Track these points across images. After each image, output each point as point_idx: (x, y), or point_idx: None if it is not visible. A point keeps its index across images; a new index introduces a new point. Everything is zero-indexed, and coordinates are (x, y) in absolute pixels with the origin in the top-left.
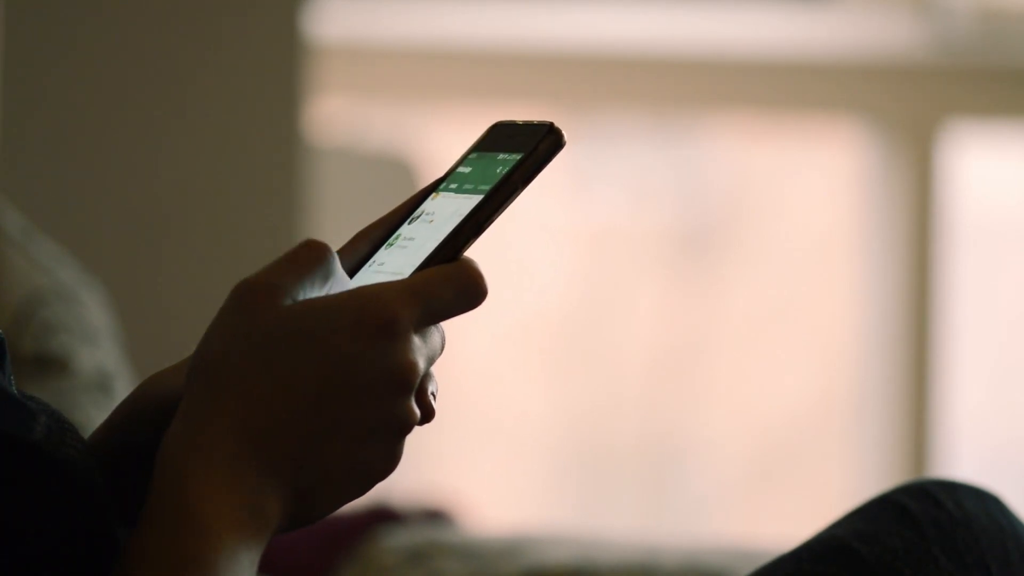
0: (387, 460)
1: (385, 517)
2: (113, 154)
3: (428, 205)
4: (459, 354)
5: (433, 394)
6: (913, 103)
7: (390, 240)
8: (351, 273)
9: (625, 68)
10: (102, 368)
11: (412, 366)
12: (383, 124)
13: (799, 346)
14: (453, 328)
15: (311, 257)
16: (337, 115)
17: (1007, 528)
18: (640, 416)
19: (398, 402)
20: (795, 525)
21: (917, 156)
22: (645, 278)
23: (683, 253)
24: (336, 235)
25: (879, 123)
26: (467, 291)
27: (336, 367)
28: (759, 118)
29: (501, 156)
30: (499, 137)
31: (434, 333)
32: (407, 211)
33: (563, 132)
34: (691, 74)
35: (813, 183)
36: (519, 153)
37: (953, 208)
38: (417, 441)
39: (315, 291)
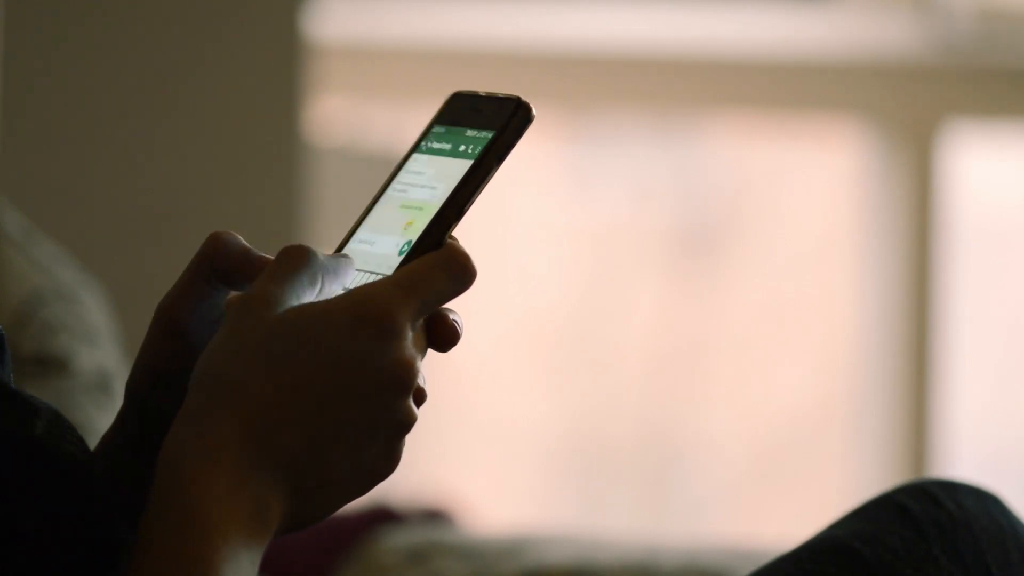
0: (388, 460)
1: (385, 517)
2: (113, 154)
3: (403, 176)
4: (459, 354)
5: (421, 387)
6: (913, 103)
7: (370, 209)
8: (342, 243)
9: (625, 68)
10: (102, 368)
11: (411, 364)
12: (383, 124)
13: (799, 346)
14: None
15: (293, 261)
16: (337, 115)
17: (1007, 528)
18: (640, 416)
19: (399, 402)
20: (795, 525)
21: (917, 156)
22: (645, 278)
23: (683, 253)
24: (336, 235)
25: (879, 123)
26: (457, 276)
27: (337, 369)
28: (759, 118)
29: (470, 133)
30: (463, 110)
31: (419, 324)
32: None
33: (531, 106)
34: (691, 74)
35: (813, 183)
36: (488, 131)
37: (953, 208)
38: (417, 441)
39: (306, 293)
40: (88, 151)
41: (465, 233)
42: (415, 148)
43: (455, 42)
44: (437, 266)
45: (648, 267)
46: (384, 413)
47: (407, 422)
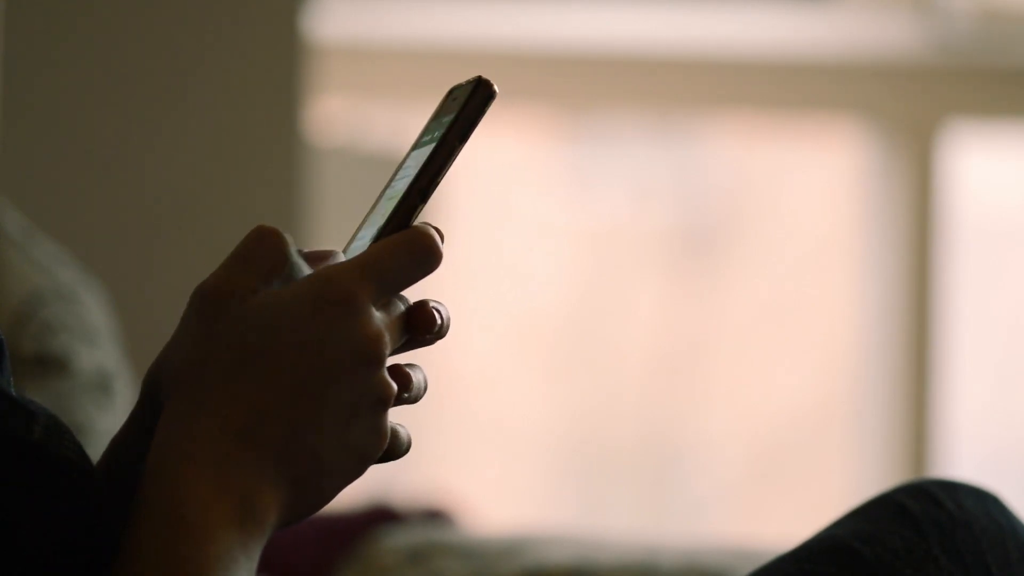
0: (374, 436)
1: (385, 517)
2: (113, 154)
3: (398, 173)
4: (459, 355)
5: (412, 374)
6: (913, 103)
7: (372, 208)
8: (347, 245)
9: (625, 68)
10: (102, 368)
11: (376, 337)
12: (383, 124)
13: (799, 346)
14: (453, 328)
15: (271, 261)
16: (337, 115)
17: (1007, 528)
18: (640, 416)
19: (371, 375)
20: (795, 525)
21: (917, 156)
22: (645, 278)
23: (683, 253)
24: (336, 235)
25: (879, 123)
26: (418, 256)
27: (305, 353)
28: (759, 118)
29: (445, 119)
30: (448, 101)
31: (397, 304)
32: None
33: (492, 83)
34: (691, 74)
35: (813, 183)
36: (454, 113)
37: (953, 208)
38: (417, 441)
39: (275, 283)
40: (88, 151)
41: (466, 233)
42: (414, 146)
43: (455, 42)
44: (396, 245)
45: (648, 267)
46: (359, 389)
47: (384, 396)
